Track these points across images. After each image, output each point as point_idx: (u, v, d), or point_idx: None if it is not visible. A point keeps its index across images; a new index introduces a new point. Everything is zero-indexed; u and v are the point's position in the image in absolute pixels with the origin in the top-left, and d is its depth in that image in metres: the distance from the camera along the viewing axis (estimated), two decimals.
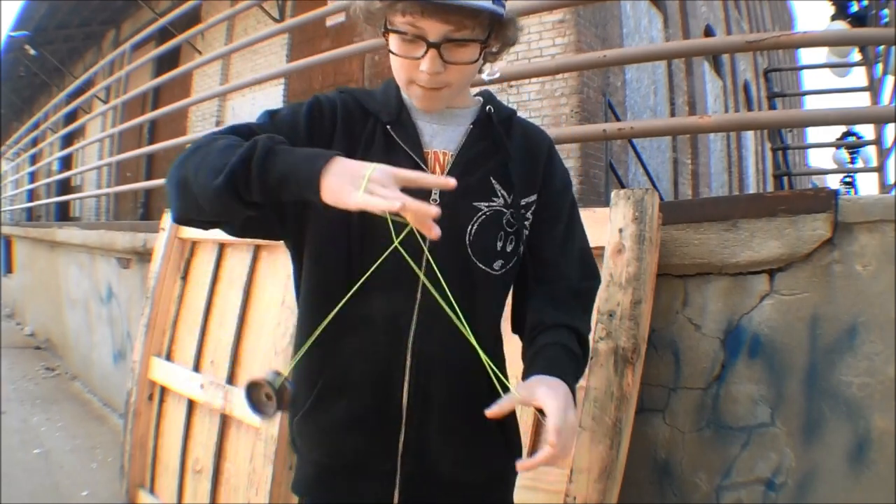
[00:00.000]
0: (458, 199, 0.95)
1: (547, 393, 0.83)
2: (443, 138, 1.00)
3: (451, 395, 0.96)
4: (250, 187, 0.80)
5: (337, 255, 0.95)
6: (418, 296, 0.94)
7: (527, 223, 1.01)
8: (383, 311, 0.95)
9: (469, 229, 0.96)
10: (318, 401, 0.99)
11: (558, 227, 1.04)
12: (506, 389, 0.87)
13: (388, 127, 0.98)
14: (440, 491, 0.98)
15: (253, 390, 0.90)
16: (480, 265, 0.97)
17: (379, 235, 0.88)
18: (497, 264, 0.98)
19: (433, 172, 0.98)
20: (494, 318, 1.03)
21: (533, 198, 1.02)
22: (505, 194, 0.99)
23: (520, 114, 1.10)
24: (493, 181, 0.99)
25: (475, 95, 1.07)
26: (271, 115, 0.98)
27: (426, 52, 0.89)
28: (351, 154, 0.94)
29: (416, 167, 0.96)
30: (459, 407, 0.97)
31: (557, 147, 1.10)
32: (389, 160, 0.94)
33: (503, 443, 1.02)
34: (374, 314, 0.95)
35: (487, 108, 1.03)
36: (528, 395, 0.84)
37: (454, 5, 0.85)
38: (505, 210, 0.98)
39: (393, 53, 0.93)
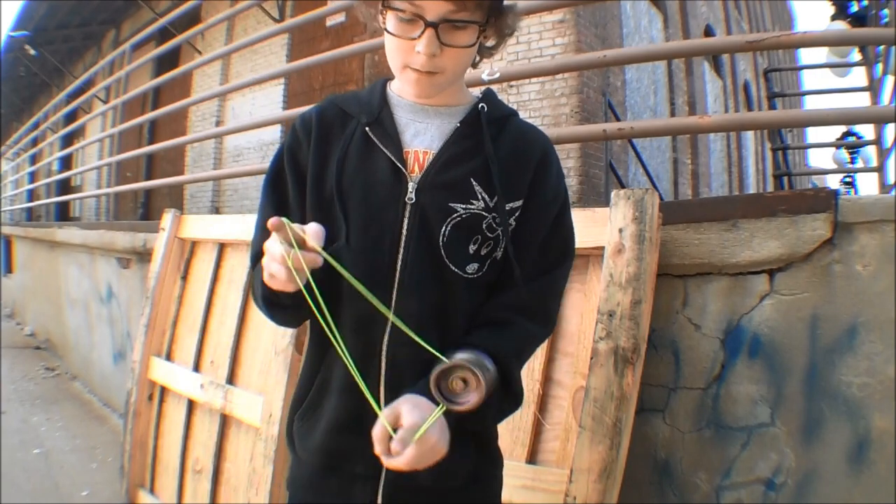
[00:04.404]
0: (434, 198, 0.94)
1: (410, 410, 0.85)
2: (426, 137, 0.98)
3: None
4: (279, 303, 0.92)
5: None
6: (393, 301, 0.94)
7: (510, 229, 0.97)
8: (358, 316, 0.95)
9: (443, 230, 0.94)
10: (312, 401, 1.00)
11: (537, 238, 0.99)
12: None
13: (366, 129, 0.97)
14: (420, 494, 0.98)
15: (443, 380, 0.86)
16: (453, 268, 0.95)
17: (349, 245, 0.94)
18: (471, 268, 0.96)
19: (411, 172, 0.96)
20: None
21: (518, 203, 0.97)
22: (486, 197, 0.95)
23: (520, 114, 1.08)
24: (475, 182, 0.95)
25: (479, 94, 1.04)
26: (270, 182, 1.03)
27: (423, 32, 0.88)
28: (327, 161, 0.97)
29: (393, 167, 0.95)
30: None
31: (557, 147, 1.08)
32: (367, 161, 0.96)
33: (474, 445, 1.00)
34: (350, 319, 0.96)
35: (480, 106, 0.99)
36: (392, 412, 0.86)
37: None
38: (486, 214, 0.95)
39: (389, 33, 0.92)
